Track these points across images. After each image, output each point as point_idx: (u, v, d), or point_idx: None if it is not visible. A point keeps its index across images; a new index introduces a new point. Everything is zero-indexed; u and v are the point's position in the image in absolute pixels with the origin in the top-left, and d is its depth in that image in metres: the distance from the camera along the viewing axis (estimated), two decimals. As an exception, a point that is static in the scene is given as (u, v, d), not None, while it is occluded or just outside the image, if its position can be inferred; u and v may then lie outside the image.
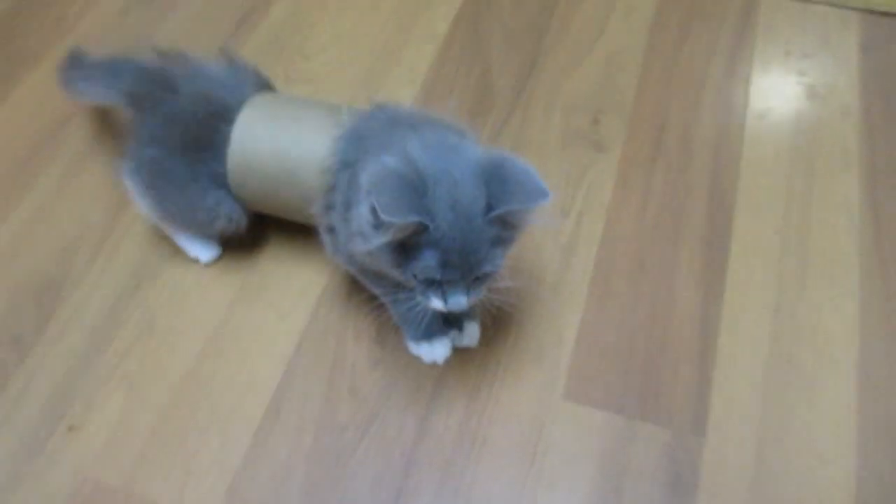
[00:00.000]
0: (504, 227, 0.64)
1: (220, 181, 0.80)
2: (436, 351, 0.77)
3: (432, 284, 0.66)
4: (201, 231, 0.86)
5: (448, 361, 0.78)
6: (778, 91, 1.01)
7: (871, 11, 1.09)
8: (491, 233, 0.63)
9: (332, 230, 0.75)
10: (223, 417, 0.78)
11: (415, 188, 0.62)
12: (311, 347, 0.82)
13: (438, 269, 0.64)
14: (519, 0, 1.12)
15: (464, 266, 0.64)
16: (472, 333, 0.80)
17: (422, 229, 0.62)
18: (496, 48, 1.07)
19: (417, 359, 0.78)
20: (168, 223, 0.87)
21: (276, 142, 0.77)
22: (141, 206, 0.86)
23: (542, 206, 0.62)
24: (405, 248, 0.64)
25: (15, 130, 1.02)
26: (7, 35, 1.13)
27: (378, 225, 0.63)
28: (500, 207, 0.62)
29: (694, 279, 0.85)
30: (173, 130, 0.80)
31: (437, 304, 0.67)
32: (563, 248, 0.88)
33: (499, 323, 0.83)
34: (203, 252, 0.89)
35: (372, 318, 0.83)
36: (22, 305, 0.86)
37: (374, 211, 0.61)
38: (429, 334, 0.77)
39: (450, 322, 0.79)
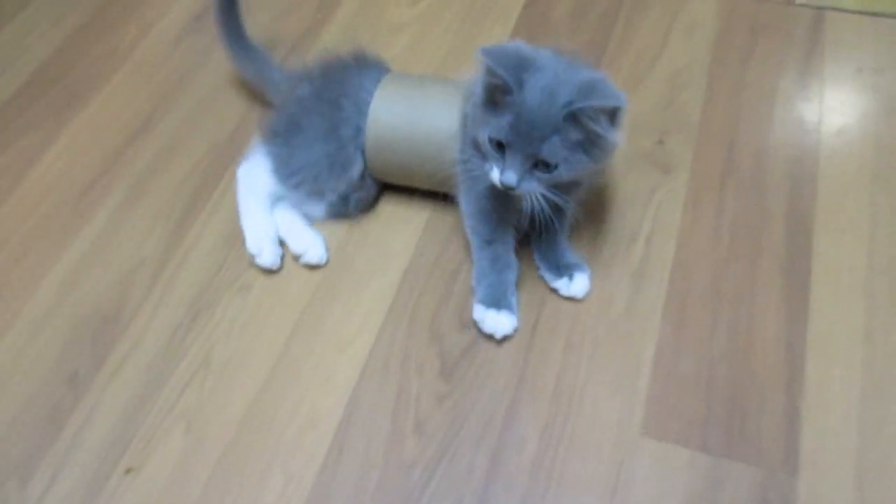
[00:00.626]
0: (579, 128, 0.70)
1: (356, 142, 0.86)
2: (500, 322, 0.79)
3: (498, 151, 0.73)
4: (334, 187, 0.87)
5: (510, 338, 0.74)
6: (853, 107, 0.96)
7: (946, 21, 1.04)
8: (564, 126, 0.70)
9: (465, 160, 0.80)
10: (285, 455, 0.74)
11: (521, 60, 0.71)
12: (373, 381, 0.79)
13: (506, 131, 0.71)
14: (576, 17, 1.10)
15: (529, 138, 0.70)
16: (581, 283, 0.82)
17: (508, 91, 0.70)
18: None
19: (478, 326, 0.80)
20: (299, 183, 0.87)
21: (411, 112, 0.84)
22: (269, 178, 0.88)
23: (611, 106, 0.69)
24: (493, 110, 0.72)
25: (68, 167, 1.01)
26: (59, 71, 1.14)
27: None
28: (577, 103, 0.68)
29: (774, 304, 0.80)
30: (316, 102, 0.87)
31: (494, 174, 0.73)
32: (634, 273, 0.83)
33: (570, 349, 0.79)
34: (313, 251, 0.87)
35: (436, 352, 0.80)
36: (78, 343, 0.84)
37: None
38: (499, 301, 0.80)
39: (560, 271, 0.82)
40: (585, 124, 0.70)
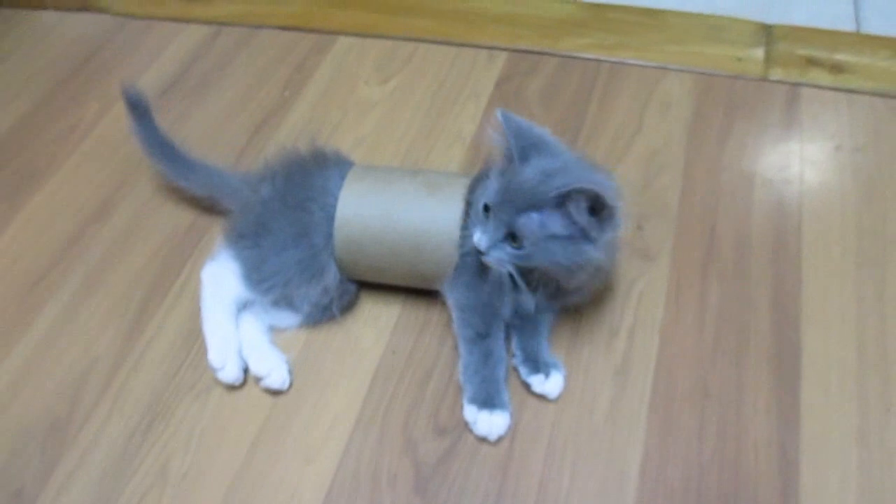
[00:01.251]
0: (563, 216, 0.69)
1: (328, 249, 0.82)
2: (494, 424, 0.75)
3: (484, 215, 0.73)
4: (305, 294, 0.82)
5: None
6: (833, 188, 0.94)
7: (921, 98, 1.03)
8: (548, 207, 0.69)
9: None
10: (245, 585, 0.69)
11: (537, 140, 0.73)
12: (342, 496, 0.73)
13: (493, 194, 0.72)
14: (549, 96, 1.08)
15: (510, 207, 0.70)
16: (556, 383, 0.78)
17: (511, 159, 0.72)
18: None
19: (469, 428, 0.76)
20: (269, 288, 0.82)
21: (381, 209, 0.80)
22: (237, 283, 0.82)
23: (593, 192, 0.67)
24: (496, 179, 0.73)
25: (18, 256, 0.96)
26: (14, 149, 1.09)
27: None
28: (564, 187, 0.68)
29: (765, 403, 0.77)
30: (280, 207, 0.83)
31: (475, 235, 0.73)
32: (616, 371, 0.79)
33: (552, 457, 0.74)
34: (276, 375, 0.80)
35: (410, 461, 0.75)
36: (23, 454, 0.78)
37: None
38: (491, 401, 0.76)
39: (537, 367, 0.78)
40: (568, 211, 0.69)
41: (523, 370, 0.79)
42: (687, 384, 0.78)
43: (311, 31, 1.24)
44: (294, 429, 0.78)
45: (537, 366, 0.79)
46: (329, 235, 0.81)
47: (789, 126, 1.02)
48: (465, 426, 0.76)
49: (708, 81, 1.08)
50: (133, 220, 0.98)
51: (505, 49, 1.15)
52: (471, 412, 0.76)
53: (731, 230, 0.90)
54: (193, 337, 0.85)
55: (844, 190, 0.94)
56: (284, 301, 0.84)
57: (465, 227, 0.78)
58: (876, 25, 1.17)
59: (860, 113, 1.03)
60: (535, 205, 0.70)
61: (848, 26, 1.17)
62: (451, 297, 0.80)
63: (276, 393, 0.81)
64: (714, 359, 0.80)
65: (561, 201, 0.68)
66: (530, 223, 0.70)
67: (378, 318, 0.86)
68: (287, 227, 0.81)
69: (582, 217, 0.69)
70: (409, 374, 0.81)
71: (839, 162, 0.97)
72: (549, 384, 0.78)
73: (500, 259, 0.72)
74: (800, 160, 0.97)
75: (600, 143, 1.01)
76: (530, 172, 0.70)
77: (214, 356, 0.80)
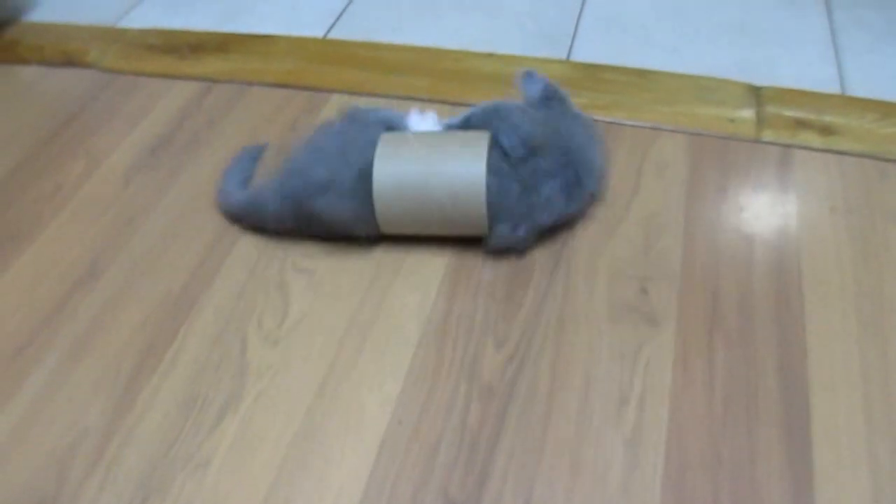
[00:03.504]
0: None
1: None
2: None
3: None
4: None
5: None
6: (831, 249, 0.95)
7: (910, 160, 1.06)
8: None
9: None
10: None
11: None
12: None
13: None
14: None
15: None
16: None
17: None
18: (526, 211, 1.01)
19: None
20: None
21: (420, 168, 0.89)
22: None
23: None
24: None
25: (3, 318, 0.92)
26: (-3, 209, 1.06)
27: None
28: None
29: (778, 469, 0.75)
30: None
31: None
32: (627, 441, 0.78)
33: (565, 536, 0.72)
34: None
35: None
36: (7, 536, 0.74)
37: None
38: None
39: None
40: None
41: None
42: (699, 452, 0.77)
43: (304, 88, 1.23)
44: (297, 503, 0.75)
45: None
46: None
47: (784, 187, 1.03)
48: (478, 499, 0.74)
49: (702, 142, 1.09)
50: (123, 283, 0.95)
51: (499, 109, 1.16)
52: None
53: (734, 292, 0.90)
54: (190, 405, 0.82)
55: (841, 252, 0.95)
56: None
57: None
58: (860, 87, 1.20)
59: (851, 175, 1.04)
60: None
61: (833, 88, 1.20)
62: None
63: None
64: (725, 425, 0.79)
65: None
66: None
67: (382, 386, 0.83)
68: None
69: None
70: (415, 447, 0.78)
71: (834, 224, 0.98)
72: None
73: None
74: (797, 221, 0.98)
75: (599, 204, 1.01)
76: None
77: None
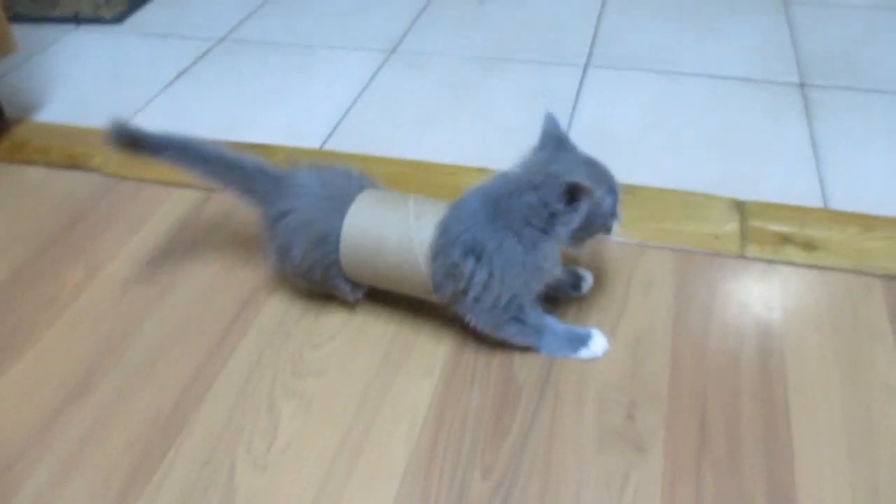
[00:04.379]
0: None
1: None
2: (596, 344, 0.98)
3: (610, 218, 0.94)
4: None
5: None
6: (817, 371, 0.96)
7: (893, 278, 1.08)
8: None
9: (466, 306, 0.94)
10: None
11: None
12: None
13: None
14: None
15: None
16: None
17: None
18: (516, 330, 1.02)
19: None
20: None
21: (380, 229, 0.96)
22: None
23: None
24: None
25: (-5, 439, 0.92)
26: (-8, 318, 1.08)
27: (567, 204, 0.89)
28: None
29: None
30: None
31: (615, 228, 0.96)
32: (615, 578, 0.77)
33: None
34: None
35: None
36: None
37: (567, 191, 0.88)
38: (585, 337, 0.98)
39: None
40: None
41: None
42: (687, 591, 0.76)
43: (300, 198, 1.26)
44: None
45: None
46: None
47: (770, 305, 1.04)
48: None
49: (687, 258, 1.12)
50: (115, 399, 0.96)
51: (491, 222, 1.19)
52: (583, 353, 0.98)
53: (722, 417, 0.91)
54: (176, 534, 0.82)
55: (828, 373, 0.96)
56: None
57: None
58: (842, 200, 1.23)
59: (836, 291, 1.06)
60: None
61: (816, 200, 1.23)
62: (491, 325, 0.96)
63: None
64: (712, 562, 0.78)
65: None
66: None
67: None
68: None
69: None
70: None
71: (821, 343, 0.99)
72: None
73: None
74: (782, 341, 0.99)
75: (587, 324, 1.02)
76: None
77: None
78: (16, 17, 1.86)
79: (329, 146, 1.41)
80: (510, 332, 0.96)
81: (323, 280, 1.02)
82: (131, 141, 1.04)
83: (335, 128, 1.46)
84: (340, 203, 0.98)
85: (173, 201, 1.29)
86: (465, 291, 0.92)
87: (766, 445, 0.88)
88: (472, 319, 0.95)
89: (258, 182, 1.03)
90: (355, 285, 1.04)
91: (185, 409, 0.94)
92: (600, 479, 0.85)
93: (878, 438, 0.88)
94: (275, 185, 1.02)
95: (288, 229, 1.00)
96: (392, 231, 0.95)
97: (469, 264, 0.90)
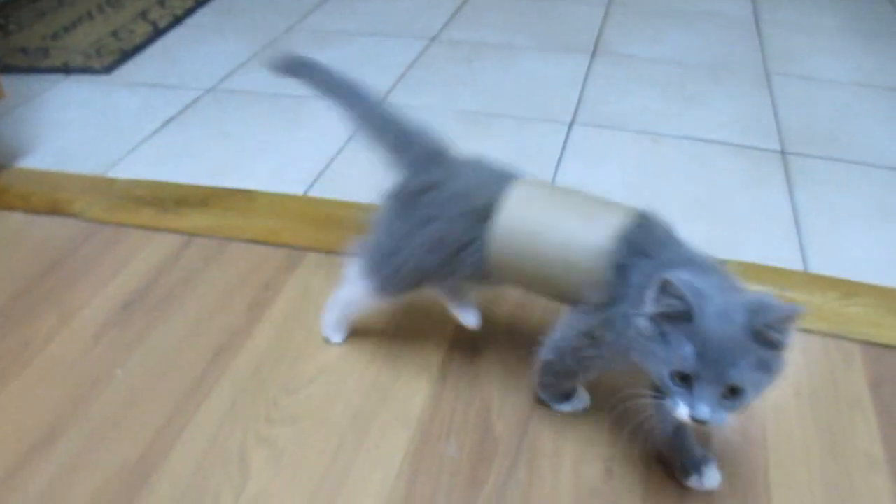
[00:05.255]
0: (763, 346, 0.70)
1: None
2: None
3: (682, 384, 0.72)
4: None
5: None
6: (797, 438, 0.94)
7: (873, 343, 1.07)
8: (750, 347, 0.70)
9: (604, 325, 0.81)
10: None
11: (696, 288, 0.71)
12: None
13: (693, 360, 0.70)
14: (514, 326, 1.09)
15: (718, 365, 0.70)
16: (712, 476, 0.86)
17: (689, 318, 0.70)
18: (495, 382, 1.00)
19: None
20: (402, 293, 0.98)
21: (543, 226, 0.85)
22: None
23: (797, 314, 0.69)
24: (667, 339, 0.72)
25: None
26: (-38, 365, 1.05)
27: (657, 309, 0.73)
28: (760, 320, 0.69)
29: None
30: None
31: (682, 410, 0.72)
32: None
33: None
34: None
35: None
36: None
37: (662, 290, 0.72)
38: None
39: (688, 468, 0.86)
40: (772, 338, 0.70)
41: (682, 476, 0.87)
42: None
43: (282, 246, 1.26)
44: None
45: (688, 467, 0.86)
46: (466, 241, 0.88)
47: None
48: None
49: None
50: (80, 450, 0.93)
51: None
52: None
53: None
54: None
55: (808, 441, 0.94)
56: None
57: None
58: (822, 266, 1.22)
59: (815, 357, 1.05)
60: (739, 353, 0.70)
61: (796, 265, 1.22)
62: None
63: None
64: None
65: (760, 334, 0.70)
66: (747, 372, 0.70)
67: None
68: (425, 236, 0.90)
69: (784, 335, 0.71)
70: None
71: (800, 409, 0.98)
72: (707, 480, 0.86)
73: (723, 419, 0.72)
74: (762, 409, 0.98)
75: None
76: (712, 323, 0.70)
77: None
78: (6, 69, 1.87)
79: (313, 192, 1.41)
80: (546, 380, 0.93)
81: (441, 268, 0.91)
82: (298, 68, 1.01)
83: (320, 175, 1.46)
84: (500, 180, 0.89)
85: (153, 247, 1.28)
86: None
87: (745, 504, 0.86)
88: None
89: (415, 144, 0.95)
90: (458, 292, 1.02)
91: (152, 460, 0.91)
92: (580, 542, 0.82)
93: (852, 495, 0.87)
94: (432, 152, 0.94)
95: (438, 199, 0.90)
96: (559, 221, 0.85)
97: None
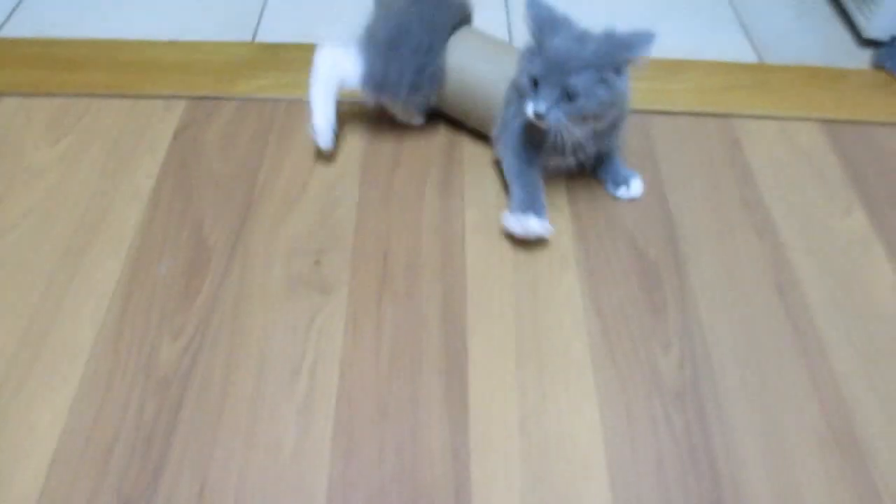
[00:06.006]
0: (609, 67, 0.88)
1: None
2: (530, 223, 0.96)
3: (532, 88, 0.89)
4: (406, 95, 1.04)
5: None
6: (489, 206, 1.04)
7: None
8: (595, 64, 0.87)
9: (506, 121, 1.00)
10: None
11: (555, 19, 0.90)
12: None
13: (539, 66, 0.88)
14: (228, 143, 1.09)
15: (558, 72, 0.87)
16: (637, 186, 1.05)
17: (540, 39, 0.89)
18: (207, 199, 1.02)
19: (509, 230, 0.98)
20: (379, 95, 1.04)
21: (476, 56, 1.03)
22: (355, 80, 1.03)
23: (646, 51, 0.87)
24: (531, 58, 0.90)
25: None
26: None
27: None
28: (609, 42, 0.88)
29: (437, 414, 0.83)
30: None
31: (528, 107, 0.90)
32: (299, 411, 0.82)
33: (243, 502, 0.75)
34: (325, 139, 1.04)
35: None
36: None
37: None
38: (532, 207, 0.96)
39: (617, 182, 1.05)
40: (616, 60, 0.87)
41: (610, 187, 1.06)
42: (367, 410, 0.83)
43: (-28, 91, 1.16)
44: None
45: (618, 182, 1.05)
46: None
47: (449, 165, 1.11)
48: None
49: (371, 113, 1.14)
50: None
51: (182, 97, 1.15)
52: (513, 219, 0.96)
53: (403, 254, 0.97)
54: None
55: (499, 206, 1.04)
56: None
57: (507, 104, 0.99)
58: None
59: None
60: (579, 66, 0.86)
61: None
62: (502, 147, 1.01)
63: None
64: (391, 380, 0.85)
65: (605, 56, 0.87)
66: (586, 83, 0.87)
67: (54, 400, 0.82)
68: (416, 44, 1.00)
69: (622, 58, 0.88)
70: (89, 452, 0.79)
71: (495, 190, 1.07)
72: (632, 190, 1.05)
73: (559, 117, 0.89)
74: (461, 183, 1.06)
75: (278, 182, 1.04)
76: (563, 43, 0.87)
77: (319, 121, 1.02)
78: None
79: (5, 33, 1.29)
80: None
81: (417, 73, 1.02)
82: None
83: (11, 13, 1.33)
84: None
85: None
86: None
87: (442, 272, 0.95)
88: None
89: None
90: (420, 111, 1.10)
91: None
92: (287, 324, 0.89)
93: (541, 254, 0.98)
94: None
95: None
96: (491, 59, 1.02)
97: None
